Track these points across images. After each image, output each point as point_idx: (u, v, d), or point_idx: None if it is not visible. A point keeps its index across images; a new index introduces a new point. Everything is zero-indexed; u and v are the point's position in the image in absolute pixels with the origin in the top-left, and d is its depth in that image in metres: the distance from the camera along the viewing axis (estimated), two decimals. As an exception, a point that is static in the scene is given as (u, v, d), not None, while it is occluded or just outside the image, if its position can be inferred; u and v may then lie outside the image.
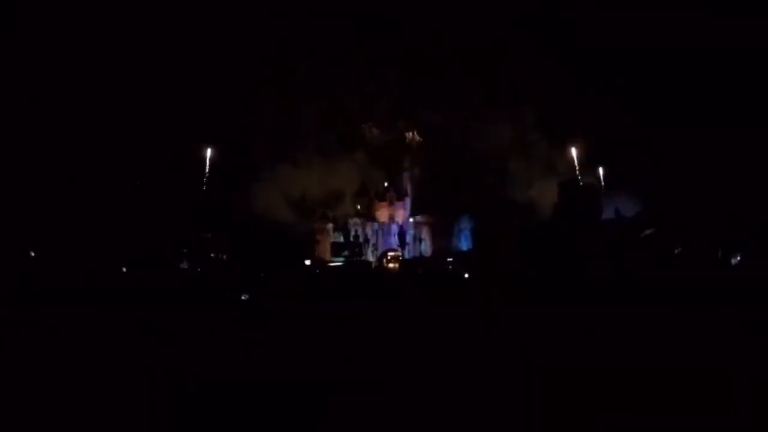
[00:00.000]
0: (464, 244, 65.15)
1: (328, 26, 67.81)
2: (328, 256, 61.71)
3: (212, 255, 53.57)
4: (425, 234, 68.20)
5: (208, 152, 66.51)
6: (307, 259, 57.59)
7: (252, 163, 72.45)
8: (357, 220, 69.73)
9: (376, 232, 69.88)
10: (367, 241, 66.89)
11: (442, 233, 66.98)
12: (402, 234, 68.03)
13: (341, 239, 64.52)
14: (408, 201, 71.35)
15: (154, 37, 56.89)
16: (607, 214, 54.63)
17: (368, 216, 70.43)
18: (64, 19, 46.65)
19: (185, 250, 53.14)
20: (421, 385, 6.49)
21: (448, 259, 54.89)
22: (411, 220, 68.94)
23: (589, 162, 69.04)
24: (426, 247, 65.62)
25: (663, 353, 7.65)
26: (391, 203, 70.71)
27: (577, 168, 68.28)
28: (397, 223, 69.85)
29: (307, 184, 73.84)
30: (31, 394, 2.63)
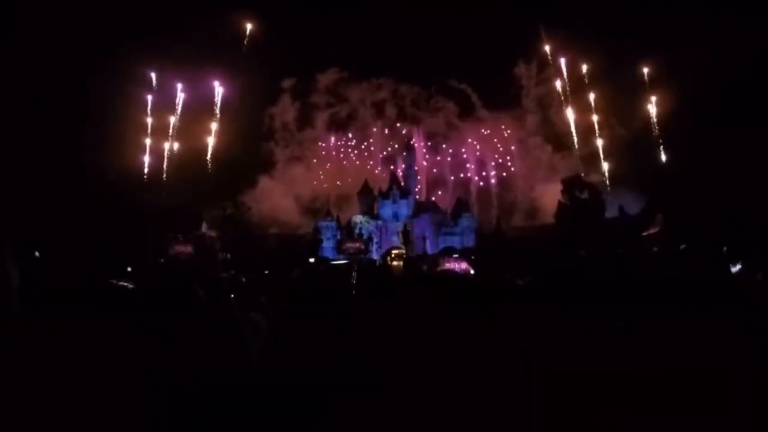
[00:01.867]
0: (468, 242, 65.18)
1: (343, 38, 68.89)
2: (332, 254, 61.96)
3: (218, 252, 53.84)
4: (429, 232, 68.37)
5: (211, 146, 67.06)
6: (312, 257, 57.72)
7: (258, 163, 73.15)
8: (361, 218, 69.94)
9: (380, 230, 70.13)
10: (371, 239, 67.09)
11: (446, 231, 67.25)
12: (406, 232, 68.21)
13: (347, 238, 64.80)
14: (411, 199, 71.46)
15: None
16: (612, 212, 54.58)
17: (372, 214, 70.64)
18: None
19: (186, 245, 53.41)
20: (421, 385, 6.51)
21: (454, 255, 54.82)
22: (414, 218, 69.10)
23: (593, 161, 69.12)
24: (429, 245, 65.72)
25: (662, 353, 7.66)
26: (395, 201, 70.94)
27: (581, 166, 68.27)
28: (401, 221, 70.01)
29: (313, 184, 74.49)
30: (30, 394, 2.66)
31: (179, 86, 67.41)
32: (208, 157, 67.60)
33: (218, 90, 69.68)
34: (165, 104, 67.19)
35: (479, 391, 6.26)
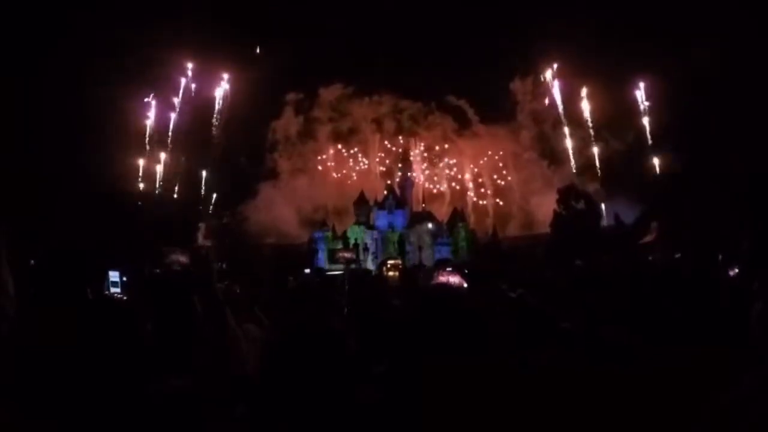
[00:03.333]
0: (463, 253, 65.13)
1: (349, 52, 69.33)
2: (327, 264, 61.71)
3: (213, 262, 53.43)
4: (424, 243, 68.17)
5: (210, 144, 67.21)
6: (307, 267, 57.55)
7: (254, 173, 73.12)
8: (356, 228, 69.73)
9: (375, 241, 69.83)
10: (366, 249, 66.79)
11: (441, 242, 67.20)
12: (401, 242, 67.96)
13: (341, 247, 64.53)
14: (407, 210, 71.34)
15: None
16: (607, 221, 54.60)
17: (368, 224, 70.43)
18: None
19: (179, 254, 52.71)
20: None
21: (448, 269, 54.31)
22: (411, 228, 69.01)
23: (589, 168, 69.23)
24: (425, 256, 65.48)
25: (661, 354, 7.62)
26: (390, 212, 70.78)
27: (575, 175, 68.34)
28: (397, 231, 69.78)
29: (314, 195, 74.52)
30: (28, 395, 2.65)
31: (183, 84, 67.59)
32: (209, 161, 67.67)
33: (220, 98, 70.04)
34: (166, 109, 67.39)
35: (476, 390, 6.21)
